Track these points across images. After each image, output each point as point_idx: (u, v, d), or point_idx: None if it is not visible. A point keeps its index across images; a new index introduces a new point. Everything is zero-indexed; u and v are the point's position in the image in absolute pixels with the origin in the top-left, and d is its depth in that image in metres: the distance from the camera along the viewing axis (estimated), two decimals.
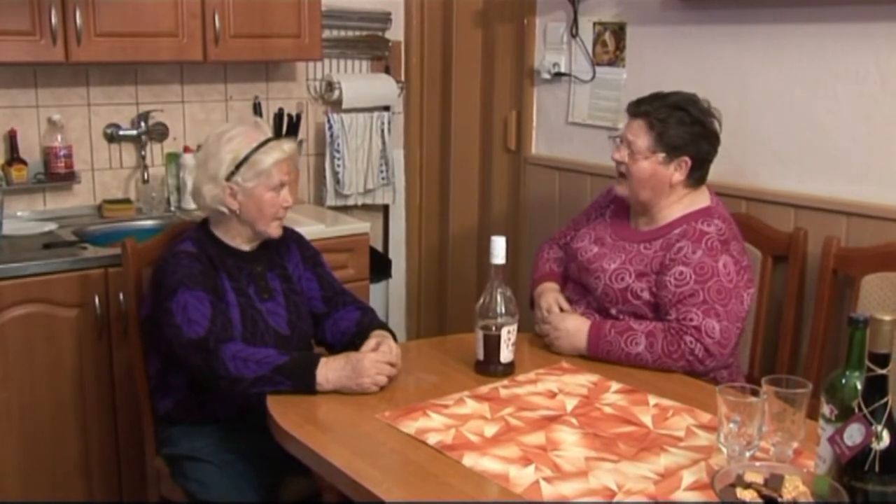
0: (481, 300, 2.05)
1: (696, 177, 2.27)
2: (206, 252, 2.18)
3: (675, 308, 2.13)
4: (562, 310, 2.32)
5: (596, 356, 2.16)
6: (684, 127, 2.22)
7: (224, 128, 2.22)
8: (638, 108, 2.27)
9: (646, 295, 2.20)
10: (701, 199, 2.29)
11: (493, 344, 2.04)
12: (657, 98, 2.28)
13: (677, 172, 2.23)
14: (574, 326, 2.21)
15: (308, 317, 2.29)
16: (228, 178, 2.14)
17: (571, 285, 2.41)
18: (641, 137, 2.23)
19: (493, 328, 2.03)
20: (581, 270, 2.34)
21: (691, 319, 2.09)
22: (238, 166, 2.13)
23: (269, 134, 2.21)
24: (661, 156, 2.22)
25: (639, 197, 2.27)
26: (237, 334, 2.09)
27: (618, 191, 2.32)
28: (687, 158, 2.23)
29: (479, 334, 2.05)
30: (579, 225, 2.52)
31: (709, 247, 2.17)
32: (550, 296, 2.37)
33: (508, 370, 2.06)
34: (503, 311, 2.03)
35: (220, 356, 1.99)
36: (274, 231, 2.21)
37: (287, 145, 2.19)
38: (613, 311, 2.25)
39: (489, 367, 2.05)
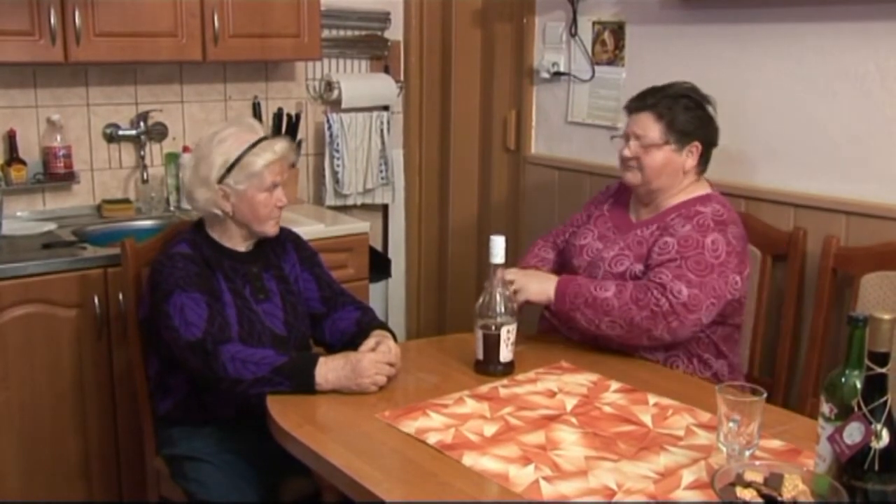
0: (481, 300, 2.05)
1: (704, 162, 2.30)
2: (202, 253, 2.17)
3: (651, 271, 2.15)
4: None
5: (562, 300, 2.16)
6: (691, 112, 2.26)
7: (216, 129, 2.21)
8: (642, 103, 2.29)
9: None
10: (701, 188, 2.31)
11: (492, 343, 2.04)
12: (656, 91, 2.30)
13: (689, 158, 2.26)
14: (543, 274, 2.29)
15: (305, 317, 2.29)
16: (220, 181, 2.13)
17: None
18: (651, 129, 2.24)
19: (493, 328, 2.03)
20: (587, 266, 2.34)
21: (660, 278, 2.11)
22: (229, 169, 2.13)
23: (262, 134, 2.19)
24: (674, 144, 2.24)
25: (651, 186, 2.28)
26: (234, 335, 2.09)
27: (627, 178, 2.31)
28: (697, 143, 2.26)
29: (479, 334, 2.05)
30: (577, 223, 2.51)
31: (699, 223, 2.19)
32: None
33: (508, 370, 2.06)
34: (503, 310, 2.02)
35: (219, 358, 1.99)
36: (270, 230, 2.21)
37: (278, 146, 2.17)
38: None
39: (489, 366, 2.05)
